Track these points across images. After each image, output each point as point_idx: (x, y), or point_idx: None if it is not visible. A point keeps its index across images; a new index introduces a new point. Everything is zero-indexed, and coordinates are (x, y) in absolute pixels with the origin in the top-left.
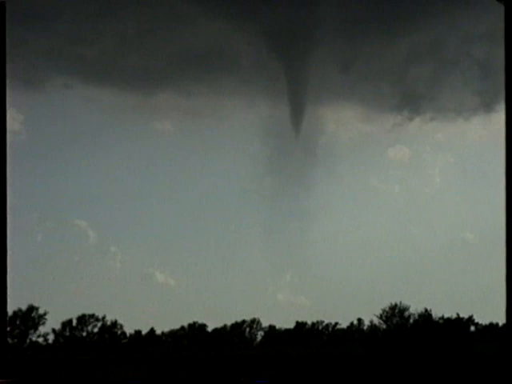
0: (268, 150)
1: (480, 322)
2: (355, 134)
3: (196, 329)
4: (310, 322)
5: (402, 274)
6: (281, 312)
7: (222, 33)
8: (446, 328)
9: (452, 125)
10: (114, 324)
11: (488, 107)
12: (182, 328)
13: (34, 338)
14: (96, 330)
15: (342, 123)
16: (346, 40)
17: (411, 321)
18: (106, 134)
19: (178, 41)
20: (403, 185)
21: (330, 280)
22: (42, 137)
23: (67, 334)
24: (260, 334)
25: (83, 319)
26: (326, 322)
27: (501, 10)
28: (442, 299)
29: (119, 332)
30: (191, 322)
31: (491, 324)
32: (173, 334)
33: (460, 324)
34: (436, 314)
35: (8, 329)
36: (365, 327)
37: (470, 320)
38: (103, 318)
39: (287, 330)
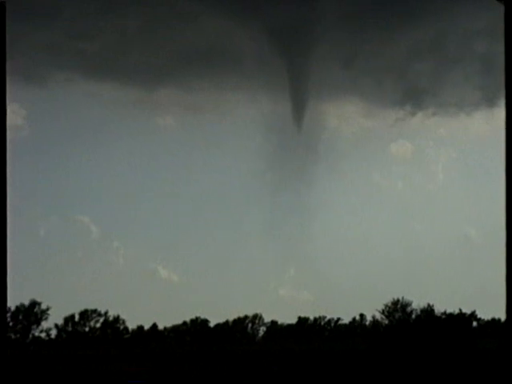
0: (270, 146)
1: (482, 318)
2: (357, 130)
3: (198, 324)
4: (312, 318)
5: (405, 269)
6: (283, 307)
7: (224, 29)
8: (448, 323)
9: (454, 120)
10: (117, 319)
11: (490, 102)
12: (185, 323)
13: (36, 333)
14: (98, 325)
15: (344, 118)
16: (348, 35)
17: (413, 316)
18: (108, 129)
19: (180, 37)
20: (406, 180)
21: (332, 275)
22: (44, 132)
23: (70, 329)
24: (262, 330)
25: (86, 314)
26: (328, 317)
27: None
28: (444, 294)
29: (122, 327)
30: (193, 317)
31: (493, 319)
32: (175, 330)
33: (462, 319)
34: (438, 309)
35: (11, 324)
36: (367, 322)
37: (473, 315)
38: (106, 313)
39: (289, 326)
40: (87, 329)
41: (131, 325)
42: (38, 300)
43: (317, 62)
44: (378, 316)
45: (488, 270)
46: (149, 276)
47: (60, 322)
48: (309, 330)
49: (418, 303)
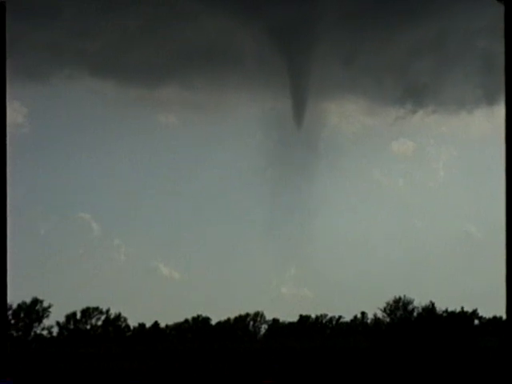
0: (270, 144)
1: (484, 316)
2: (358, 127)
3: (200, 322)
4: (313, 316)
5: (406, 267)
6: (284, 305)
7: (225, 28)
8: (449, 321)
9: (455, 118)
10: (118, 317)
11: (491, 100)
12: (186, 321)
13: (38, 331)
14: (100, 322)
15: (345, 116)
16: (348, 34)
17: (415, 314)
18: (109, 126)
19: (180, 36)
20: (407, 178)
21: (333, 273)
22: (45, 130)
23: (71, 326)
24: (264, 328)
25: (87, 312)
26: (330, 315)
27: (501, 8)
28: (445, 293)
29: (123, 325)
30: (195, 315)
31: (495, 318)
32: (177, 327)
33: (464, 317)
34: (440, 307)
35: (12, 322)
36: (368, 320)
37: (474, 314)
38: (107, 310)
39: (291, 324)
40: (89, 326)
41: (133, 322)
42: (40, 298)
43: (317, 60)
44: (380, 314)
45: (489, 268)
46: (150, 273)
47: (62, 319)
48: (310, 328)
49: (419, 301)
